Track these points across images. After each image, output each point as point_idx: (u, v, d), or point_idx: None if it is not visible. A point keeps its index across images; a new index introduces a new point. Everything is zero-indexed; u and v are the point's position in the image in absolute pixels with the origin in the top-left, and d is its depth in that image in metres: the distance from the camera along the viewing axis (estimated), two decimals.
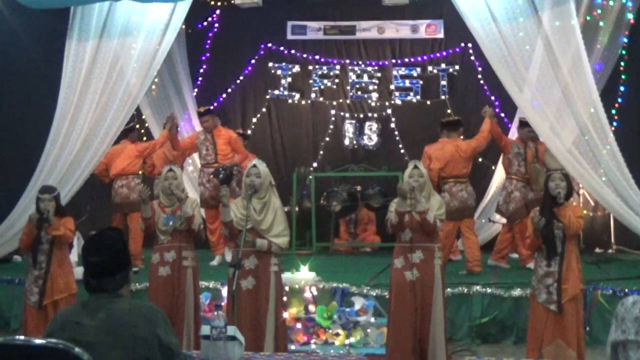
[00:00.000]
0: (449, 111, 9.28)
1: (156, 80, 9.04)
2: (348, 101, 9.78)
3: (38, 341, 2.34)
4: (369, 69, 9.73)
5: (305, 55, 9.82)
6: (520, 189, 7.45)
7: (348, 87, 9.77)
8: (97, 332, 2.50)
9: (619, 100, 8.53)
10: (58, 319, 2.62)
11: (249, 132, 9.55)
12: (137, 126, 8.62)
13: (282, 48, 9.83)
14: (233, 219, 4.73)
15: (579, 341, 4.68)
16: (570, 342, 4.60)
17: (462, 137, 7.65)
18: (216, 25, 9.85)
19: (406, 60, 9.67)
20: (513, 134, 8.69)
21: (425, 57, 9.61)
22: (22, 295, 5.54)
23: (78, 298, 5.20)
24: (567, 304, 4.63)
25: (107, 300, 2.58)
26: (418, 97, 9.58)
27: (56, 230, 5.24)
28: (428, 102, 9.55)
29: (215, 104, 9.65)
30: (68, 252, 5.44)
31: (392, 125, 9.59)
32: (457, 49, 9.49)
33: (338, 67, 9.79)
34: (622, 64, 8.42)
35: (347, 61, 9.78)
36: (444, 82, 9.53)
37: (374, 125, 9.64)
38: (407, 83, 9.64)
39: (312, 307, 6.09)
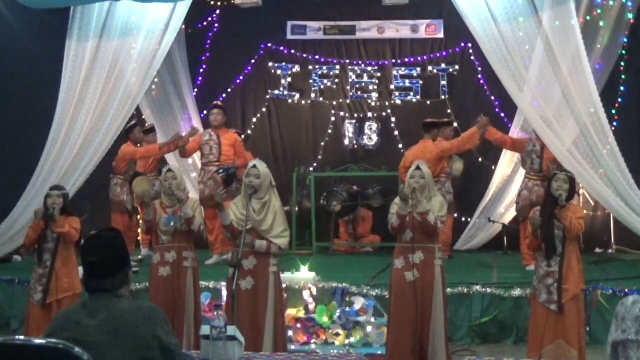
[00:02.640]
0: (449, 111, 9.29)
1: (156, 80, 9.03)
2: (348, 101, 9.77)
3: (38, 341, 2.33)
4: (369, 69, 9.72)
5: (305, 55, 9.82)
6: (530, 188, 7.37)
7: (348, 87, 9.76)
8: (98, 332, 2.49)
9: (619, 100, 8.52)
10: (58, 319, 2.62)
11: (249, 132, 9.55)
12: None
13: (282, 48, 9.82)
14: (233, 219, 4.73)
15: (580, 341, 4.68)
16: (571, 342, 4.60)
17: (434, 139, 7.83)
18: (216, 25, 9.84)
19: (406, 60, 9.66)
20: (513, 134, 8.70)
21: (425, 57, 9.59)
22: (27, 293, 5.56)
23: (82, 298, 5.20)
24: (568, 304, 4.64)
25: (108, 301, 2.58)
26: (418, 97, 9.58)
27: (61, 228, 5.24)
28: (428, 102, 9.54)
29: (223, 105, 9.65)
30: (74, 252, 5.44)
31: (392, 125, 9.59)
32: (457, 49, 9.48)
33: (338, 67, 9.78)
34: (622, 64, 8.42)
35: (347, 61, 9.77)
36: (444, 82, 9.52)
37: (374, 125, 9.63)
38: (407, 83, 9.63)
39: (312, 307, 6.09)
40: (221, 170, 7.68)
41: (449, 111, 9.29)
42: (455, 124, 8.72)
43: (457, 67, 9.51)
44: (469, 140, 7.64)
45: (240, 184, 7.76)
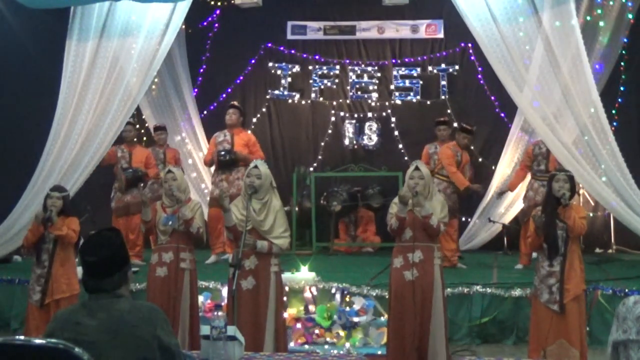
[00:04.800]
0: (449, 111, 9.29)
1: (156, 80, 9.04)
2: (348, 101, 9.77)
3: (38, 341, 2.33)
4: (369, 69, 9.72)
5: (305, 55, 9.82)
6: (536, 189, 7.34)
7: (348, 87, 9.76)
8: (97, 332, 2.49)
9: (619, 100, 8.52)
10: (58, 319, 2.62)
11: (249, 131, 9.54)
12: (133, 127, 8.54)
13: (282, 48, 9.82)
14: (235, 222, 4.73)
15: (582, 340, 4.68)
16: (573, 341, 4.60)
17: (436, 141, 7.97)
18: (216, 25, 9.84)
19: (406, 60, 9.66)
20: (513, 134, 8.71)
21: (425, 57, 9.60)
22: (27, 293, 5.56)
23: (80, 299, 5.20)
24: (570, 304, 4.64)
25: (107, 301, 2.58)
26: (418, 97, 9.57)
27: (58, 230, 5.24)
28: (428, 102, 9.54)
29: (215, 104, 9.65)
30: (72, 253, 5.43)
31: (392, 125, 9.59)
32: (457, 49, 9.48)
33: (338, 67, 9.78)
34: (622, 64, 8.42)
35: (347, 61, 9.77)
36: (444, 82, 9.52)
37: (374, 125, 9.63)
38: (407, 83, 9.63)
39: (312, 307, 6.09)
40: (223, 152, 7.72)
41: (448, 111, 9.29)
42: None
43: (457, 67, 9.50)
44: (456, 182, 7.56)
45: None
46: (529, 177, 7.68)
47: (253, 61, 9.84)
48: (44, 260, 5.31)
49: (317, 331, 5.93)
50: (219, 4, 9.75)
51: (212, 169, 8.27)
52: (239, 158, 7.77)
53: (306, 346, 5.83)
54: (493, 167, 8.96)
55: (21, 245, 6.88)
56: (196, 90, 9.73)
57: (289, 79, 9.83)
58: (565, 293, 4.63)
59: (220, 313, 3.31)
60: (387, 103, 9.66)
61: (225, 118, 8.08)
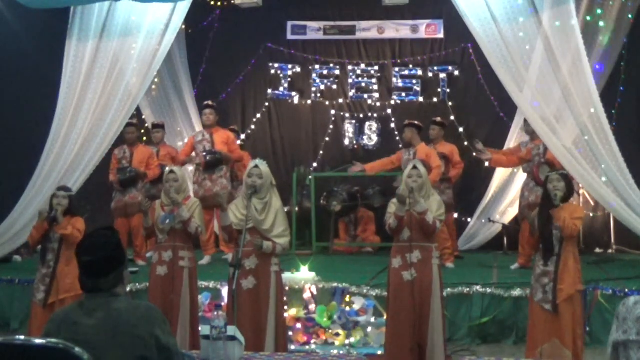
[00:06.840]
0: (449, 112, 9.29)
1: (156, 80, 9.05)
2: (348, 101, 9.77)
3: (38, 341, 2.34)
4: (369, 69, 9.72)
5: (305, 55, 9.82)
6: (531, 188, 7.34)
7: (348, 87, 9.76)
8: (96, 331, 2.49)
9: (619, 100, 8.51)
10: (56, 319, 2.62)
11: (249, 131, 9.56)
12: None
13: (282, 48, 9.83)
14: (232, 222, 4.74)
15: (576, 341, 4.67)
16: (566, 342, 4.60)
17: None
18: (216, 25, 9.84)
19: (406, 60, 9.67)
20: (513, 133, 8.70)
21: (425, 57, 9.60)
22: (27, 293, 5.58)
23: None
24: (563, 304, 4.64)
25: (105, 300, 2.58)
26: (418, 97, 9.58)
27: (64, 230, 5.26)
28: (428, 102, 9.54)
29: (215, 104, 9.65)
30: None
31: (392, 125, 9.59)
32: (457, 49, 9.48)
33: (338, 67, 9.78)
34: (622, 64, 8.41)
35: (347, 61, 9.78)
36: (444, 82, 9.52)
37: (374, 125, 9.63)
38: (407, 83, 9.63)
39: (312, 307, 6.09)
40: (211, 153, 7.73)
41: (449, 112, 9.29)
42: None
43: (457, 67, 9.50)
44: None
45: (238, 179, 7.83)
46: (525, 176, 7.69)
47: (253, 61, 9.84)
48: (49, 260, 5.34)
49: (317, 331, 5.93)
50: (219, 4, 9.75)
51: (192, 168, 8.25)
52: (224, 157, 7.78)
53: (306, 346, 5.83)
54: (474, 154, 8.84)
55: (25, 243, 6.87)
56: (196, 90, 9.73)
57: (289, 79, 9.83)
58: (559, 293, 4.63)
59: (220, 313, 3.30)
60: (387, 103, 9.67)
61: (202, 119, 8.10)
